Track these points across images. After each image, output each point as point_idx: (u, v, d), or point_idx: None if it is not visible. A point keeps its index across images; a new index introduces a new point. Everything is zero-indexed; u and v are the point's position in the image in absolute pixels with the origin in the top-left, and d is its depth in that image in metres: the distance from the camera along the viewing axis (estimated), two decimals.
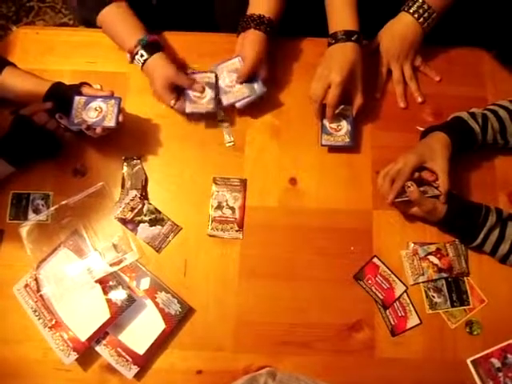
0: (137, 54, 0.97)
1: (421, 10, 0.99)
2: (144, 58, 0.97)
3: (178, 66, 1.00)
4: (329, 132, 0.99)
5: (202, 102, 0.99)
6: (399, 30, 1.02)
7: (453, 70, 1.05)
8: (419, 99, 1.03)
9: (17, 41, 1.09)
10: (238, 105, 1.00)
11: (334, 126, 1.00)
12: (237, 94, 0.99)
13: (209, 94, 0.99)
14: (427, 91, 1.04)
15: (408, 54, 1.02)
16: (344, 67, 0.94)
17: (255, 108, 1.03)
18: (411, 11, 0.99)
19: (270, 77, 1.01)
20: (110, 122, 0.93)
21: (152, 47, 0.97)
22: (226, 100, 1.00)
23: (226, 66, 1.02)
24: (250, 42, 0.97)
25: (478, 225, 0.89)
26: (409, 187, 0.89)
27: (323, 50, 1.00)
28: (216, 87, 1.00)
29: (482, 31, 1.10)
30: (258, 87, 0.99)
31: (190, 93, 0.99)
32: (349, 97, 0.99)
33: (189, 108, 0.99)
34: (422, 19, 0.99)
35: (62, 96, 0.94)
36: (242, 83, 0.99)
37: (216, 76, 1.01)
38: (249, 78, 0.99)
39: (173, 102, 0.98)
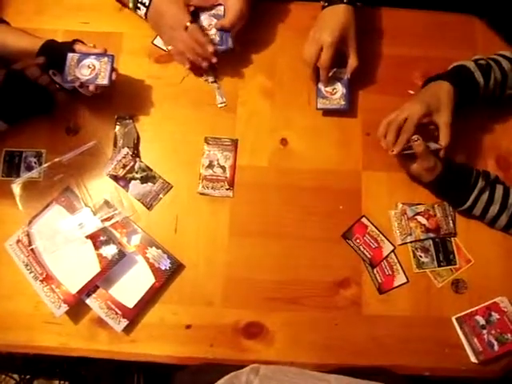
0: None
1: None
2: None
3: None
4: (324, 95, 1.00)
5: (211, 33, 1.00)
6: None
7: (444, 34, 1.06)
8: None
9: (10, 2, 1.09)
10: None
11: (329, 89, 1.00)
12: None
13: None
14: (418, 54, 1.04)
15: None
16: (335, 29, 0.94)
17: (248, 70, 1.04)
18: None
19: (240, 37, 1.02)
20: (103, 80, 0.93)
21: None
22: None
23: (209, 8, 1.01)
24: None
25: (470, 186, 0.90)
26: (416, 141, 0.88)
27: (317, 14, 1.00)
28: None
29: None
30: (227, 40, 0.99)
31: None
32: (343, 59, 0.99)
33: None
34: None
35: (55, 53, 0.94)
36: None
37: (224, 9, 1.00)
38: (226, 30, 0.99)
39: (188, 23, 0.96)
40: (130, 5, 1.01)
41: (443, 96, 0.90)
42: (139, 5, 0.99)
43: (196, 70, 1.03)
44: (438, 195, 0.96)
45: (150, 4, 0.98)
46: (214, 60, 0.98)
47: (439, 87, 0.91)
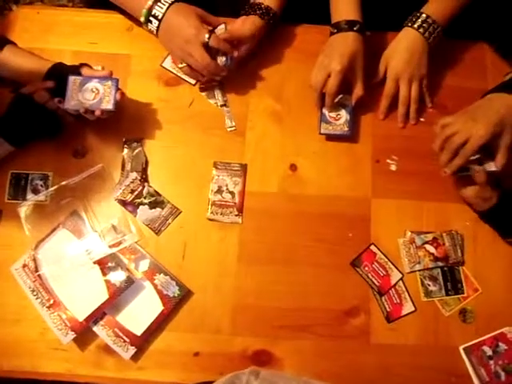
0: (157, 2, 0.95)
1: (425, 25, 0.96)
2: (166, 6, 0.95)
3: None
4: (328, 121, 1.00)
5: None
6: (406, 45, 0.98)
7: (455, 62, 1.06)
8: (413, 122, 1.01)
9: (17, 20, 1.08)
10: None
11: (333, 114, 1.00)
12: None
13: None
14: (430, 82, 1.04)
15: (419, 70, 0.99)
16: (344, 56, 0.94)
17: (257, 94, 1.03)
18: (416, 26, 0.97)
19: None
20: (108, 105, 0.91)
21: None
22: None
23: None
24: (252, 24, 0.98)
25: None
26: (477, 172, 0.87)
27: (326, 38, 0.99)
28: None
29: (484, 25, 1.11)
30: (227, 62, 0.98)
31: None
32: (349, 86, 0.99)
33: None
34: (427, 33, 0.97)
35: (62, 76, 0.93)
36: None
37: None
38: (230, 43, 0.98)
39: (207, 35, 0.94)
40: (142, 18, 0.98)
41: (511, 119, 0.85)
42: (151, 18, 0.97)
43: (206, 90, 1.03)
44: (489, 224, 0.95)
45: (162, 17, 0.96)
46: (224, 73, 0.99)
47: (508, 107, 0.85)
